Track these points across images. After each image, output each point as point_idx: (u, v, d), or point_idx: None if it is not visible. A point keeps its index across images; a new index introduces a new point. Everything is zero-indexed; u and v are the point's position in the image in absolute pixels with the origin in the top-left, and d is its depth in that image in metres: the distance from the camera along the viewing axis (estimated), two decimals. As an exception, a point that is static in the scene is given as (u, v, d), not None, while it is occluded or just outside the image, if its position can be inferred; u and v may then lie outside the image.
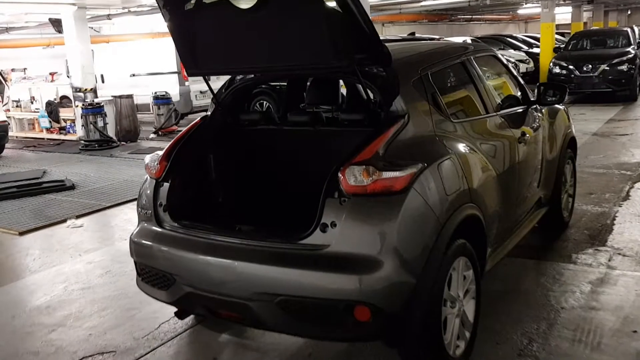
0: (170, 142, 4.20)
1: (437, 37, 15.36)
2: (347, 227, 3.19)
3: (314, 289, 3.19)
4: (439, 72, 4.14)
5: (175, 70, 15.13)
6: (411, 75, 3.81)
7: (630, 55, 16.39)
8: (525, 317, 4.37)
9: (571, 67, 16.57)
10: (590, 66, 16.20)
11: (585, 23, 28.51)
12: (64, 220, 7.65)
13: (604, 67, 16.14)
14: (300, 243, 3.30)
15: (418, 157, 3.40)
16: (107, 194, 8.97)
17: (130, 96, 14.05)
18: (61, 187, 9.34)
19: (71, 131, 14.36)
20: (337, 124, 4.17)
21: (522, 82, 5.41)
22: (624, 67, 16.10)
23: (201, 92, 15.48)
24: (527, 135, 4.88)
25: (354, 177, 3.23)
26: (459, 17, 33.20)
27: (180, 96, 15.18)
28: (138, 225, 4.07)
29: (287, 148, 4.38)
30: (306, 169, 4.26)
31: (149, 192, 4.02)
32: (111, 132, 13.35)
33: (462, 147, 3.83)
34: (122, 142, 13.59)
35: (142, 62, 15.85)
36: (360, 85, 5.97)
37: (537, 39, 23.01)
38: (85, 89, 13.39)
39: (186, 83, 15.21)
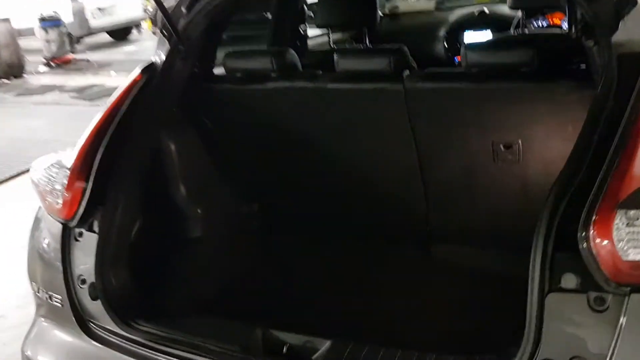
0: (86, 134, 1.92)
1: None
2: None
3: None
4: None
5: (64, -18, 12.10)
6: None
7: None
8: None
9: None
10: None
11: None
12: None
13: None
14: None
15: None
16: (-14, 163, 6.38)
17: (6, 20, 11.05)
18: None
19: None
20: (449, 76, 2.03)
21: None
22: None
23: (99, 9, 12.69)
24: None
25: (635, 245, 1.17)
26: None
27: (74, 16, 12.35)
28: (34, 324, 1.87)
29: (343, 133, 2.19)
30: (406, 184, 2.15)
31: (50, 252, 1.86)
32: (-14, 67, 10.41)
33: None
34: (4, 80, 10.70)
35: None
36: None
37: None
38: (-56, 13, 10.23)
39: (79, -1, 12.26)
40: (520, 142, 1.93)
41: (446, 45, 4.08)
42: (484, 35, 3.93)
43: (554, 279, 1.33)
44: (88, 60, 11.59)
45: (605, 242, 1.26)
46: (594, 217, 1.28)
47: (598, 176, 1.35)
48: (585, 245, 1.28)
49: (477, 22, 4.07)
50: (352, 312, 2.02)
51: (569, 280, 1.32)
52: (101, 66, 10.69)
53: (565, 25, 3.82)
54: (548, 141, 1.91)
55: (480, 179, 2.11)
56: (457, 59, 4.05)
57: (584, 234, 1.29)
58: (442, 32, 4.13)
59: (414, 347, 1.70)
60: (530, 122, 1.88)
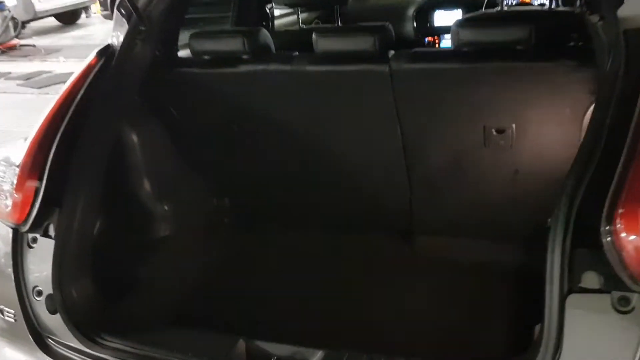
0: (36, 127, 1.72)
1: None
2: None
3: None
4: None
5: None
6: None
7: None
8: None
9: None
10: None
11: None
12: None
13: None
14: None
15: None
16: None
17: (-55, 3, 10.38)
18: None
19: None
20: (438, 56, 1.90)
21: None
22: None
23: (46, -9, 11.98)
24: None
25: None
26: None
27: (18, -1, 11.66)
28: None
29: (322, 119, 2.02)
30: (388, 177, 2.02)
31: (0, 260, 1.67)
32: None
33: None
34: (-56, 68, 10.07)
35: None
36: None
37: None
38: None
39: (23, -19, 11.63)
40: (514, 126, 1.80)
41: (415, 26, 3.93)
42: (455, 15, 3.79)
43: (574, 278, 1.21)
44: (35, 46, 11.06)
45: (633, 236, 1.14)
46: (620, 210, 1.16)
47: (616, 164, 1.23)
48: (609, 240, 1.16)
49: (447, 0, 3.93)
50: (338, 313, 1.88)
51: (591, 279, 1.21)
52: (49, 52, 10.20)
53: (535, 2, 3.72)
54: (544, 125, 1.79)
55: (469, 166, 1.99)
56: (427, 39, 3.90)
57: (607, 227, 1.16)
58: (411, 12, 3.96)
59: (410, 350, 1.57)
60: (526, 104, 1.75)
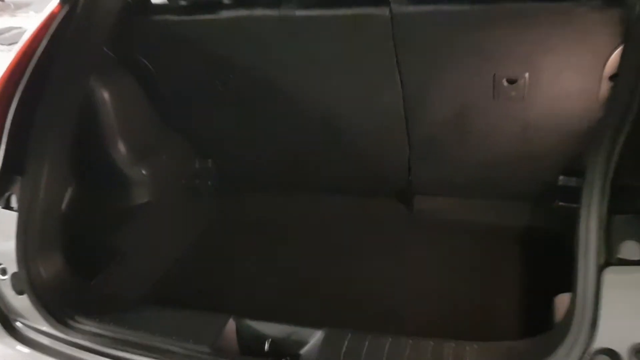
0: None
1: None
2: None
3: None
4: None
5: None
6: None
7: None
8: None
9: None
10: None
11: None
12: None
13: None
14: None
15: None
16: None
17: None
18: None
19: None
20: None
21: None
22: None
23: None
24: None
25: None
26: None
27: (-17, -50, 11.12)
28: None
29: (314, 70, 1.83)
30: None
31: None
32: None
33: None
34: None
35: None
36: None
37: None
38: None
39: None
40: (527, 75, 1.63)
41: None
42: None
43: (612, 248, 1.07)
44: (3, 1, 10.67)
45: None
46: None
47: None
48: None
49: None
50: (336, 286, 1.73)
51: (631, 250, 1.06)
52: (18, 7, 9.79)
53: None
54: (561, 73, 1.62)
55: (475, 120, 1.82)
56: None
57: None
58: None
59: (417, 325, 1.44)
60: (543, 50, 1.58)
